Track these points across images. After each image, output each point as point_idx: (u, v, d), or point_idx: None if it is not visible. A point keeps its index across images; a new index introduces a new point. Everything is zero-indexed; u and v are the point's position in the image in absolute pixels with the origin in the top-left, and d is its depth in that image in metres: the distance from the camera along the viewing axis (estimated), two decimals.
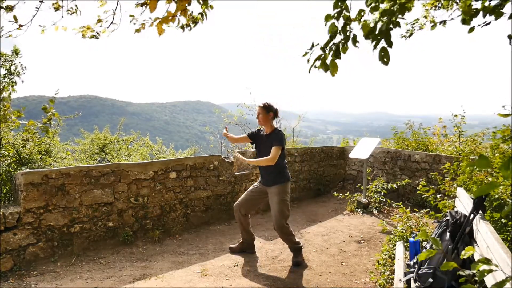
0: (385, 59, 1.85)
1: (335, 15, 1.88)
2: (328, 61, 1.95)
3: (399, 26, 1.80)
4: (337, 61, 1.93)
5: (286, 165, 3.77)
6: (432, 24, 3.88)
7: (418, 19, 4.16)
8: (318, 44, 1.97)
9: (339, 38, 1.94)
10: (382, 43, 1.82)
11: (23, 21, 3.12)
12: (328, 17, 1.90)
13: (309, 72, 1.98)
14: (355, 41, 1.92)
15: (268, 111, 3.72)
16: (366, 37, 1.81)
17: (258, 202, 3.90)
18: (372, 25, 1.79)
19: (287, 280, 3.34)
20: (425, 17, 4.06)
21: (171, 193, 4.62)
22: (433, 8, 3.92)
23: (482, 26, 2.72)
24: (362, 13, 1.92)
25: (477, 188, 0.96)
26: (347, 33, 1.90)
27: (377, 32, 1.79)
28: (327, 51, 1.94)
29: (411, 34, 4.38)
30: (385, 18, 1.75)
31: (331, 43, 1.94)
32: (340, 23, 1.90)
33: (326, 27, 1.92)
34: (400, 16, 1.79)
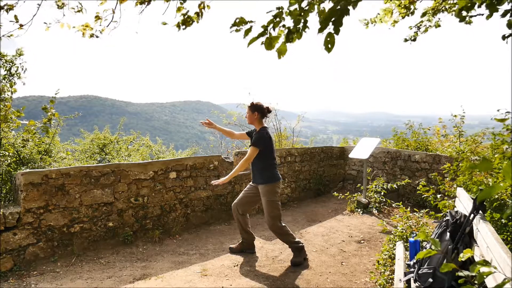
0: (329, 45, 1.77)
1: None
2: (279, 44, 1.88)
3: (348, 14, 1.73)
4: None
5: (273, 165, 3.73)
6: (427, 26, 3.89)
7: (422, 21, 4.15)
8: (253, 21, 1.90)
9: (289, 21, 1.87)
10: (330, 29, 1.75)
11: (23, 20, 3.13)
12: (293, 2, 1.83)
13: (248, 46, 1.91)
14: (305, 26, 1.85)
15: (253, 111, 3.73)
16: (322, 24, 1.74)
17: (255, 201, 3.89)
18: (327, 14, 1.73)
19: (287, 280, 3.34)
20: (429, 20, 4.05)
21: (171, 193, 4.62)
22: (433, 12, 3.91)
23: (475, 16, 2.72)
24: None
25: (482, 191, 0.96)
26: (305, 18, 1.82)
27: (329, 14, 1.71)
28: (273, 32, 1.86)
29: (415, 38, 4.36)
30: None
31: (281, 24, 1.86)
32: (303, 5, 1.83)
33: (280, 6, 1.86)
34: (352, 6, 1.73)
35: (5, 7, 3.08)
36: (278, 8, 1.85)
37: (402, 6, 3.97)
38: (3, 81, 4.66)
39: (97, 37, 3.31)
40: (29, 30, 3.18)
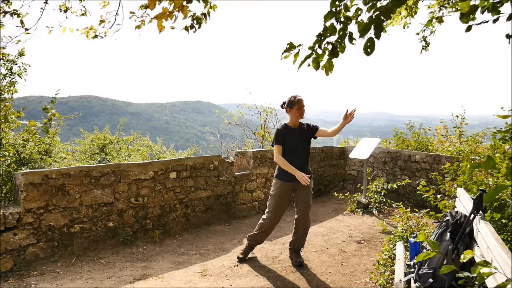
0: (368, 50, 1.83)
1: (335, 15, 1.88)
2: (324, 60, 1.95)
3: (390, 18, 1.83)
4: (334, 60, 1.96)
5: None
6: (432, 20, 3.87)
7: (429, 21, 4.12)
8: (301, 44, 1.99)
9: (333, 37, 1.94)
10: (371, 33, 1.79)
11: (27, 23, 3.14)
12: (328, 16, 1.90)
13: (298, 70, 1.99)
14: (351, 38, 1.92)
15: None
16: (361, 32, 1.81)
17: (286, 204, 3.78)
18: (366, 21, 1.80)
19: (287, 280, 3.34)
20: (432, 18, 4.03)
21: (171, 193, 4.62)
22: (439, 8, 3.90)
23: (480, 24, 2.71)
24: (359, 12, 1.93)
25: (487, 193, 0.96)
26: (345, 31, 1.90)
27: (368, 21, 1.78)
28: (319, 50, 1.95)
29: (428, 44, 4.34)
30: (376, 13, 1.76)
31: (325, 41, 1.94)
32: (338, 24, 1.91)
33: (325, 25, 1.92)
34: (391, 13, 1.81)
35: (11, 12, 3.10)
36: (324, 29, 1.92)
37: (407, 7, 3.96)
38: (4, 80, 4.67)
39: (101, 38, 3.33)
40: (30, 30, 3.19)
